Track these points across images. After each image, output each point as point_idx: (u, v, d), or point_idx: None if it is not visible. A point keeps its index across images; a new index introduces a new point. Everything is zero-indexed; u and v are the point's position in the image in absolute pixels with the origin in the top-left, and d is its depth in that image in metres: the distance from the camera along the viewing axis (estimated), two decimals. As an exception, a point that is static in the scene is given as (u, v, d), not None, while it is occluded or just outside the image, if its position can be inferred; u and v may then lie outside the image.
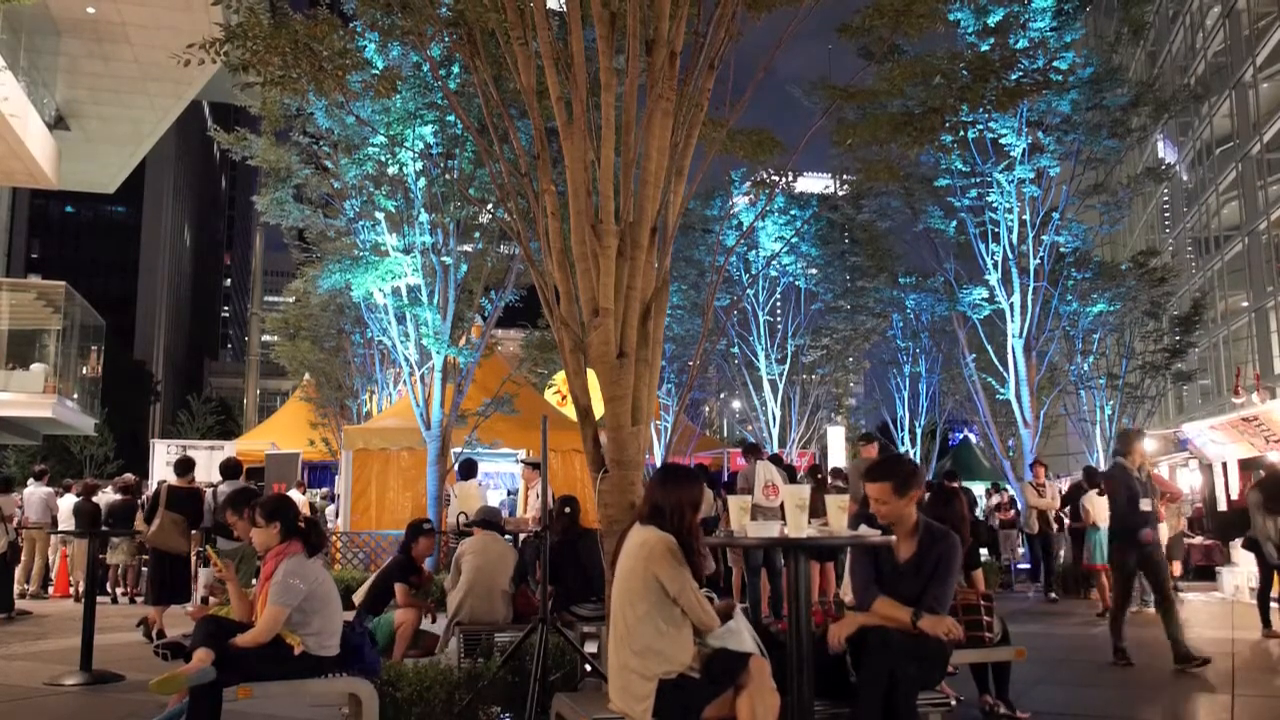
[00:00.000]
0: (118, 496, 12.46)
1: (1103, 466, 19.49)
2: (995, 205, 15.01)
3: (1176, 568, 12.39)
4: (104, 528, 10.66)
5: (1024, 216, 15.05)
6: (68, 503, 12.86)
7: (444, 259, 12.00)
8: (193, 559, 10.09)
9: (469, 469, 11.00)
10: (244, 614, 4.51)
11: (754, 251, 19.96)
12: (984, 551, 13.42)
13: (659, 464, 13.14)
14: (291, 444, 18.53)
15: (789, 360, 20.65)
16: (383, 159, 11.32)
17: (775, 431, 20.47)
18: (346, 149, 12.06)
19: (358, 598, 6.16)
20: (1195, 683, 6.56)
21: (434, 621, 6.50)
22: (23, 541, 12.53)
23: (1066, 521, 14.30)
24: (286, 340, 21.49)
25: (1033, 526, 12.86)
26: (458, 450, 12.40)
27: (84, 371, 20.25)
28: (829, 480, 10.90)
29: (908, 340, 21.39)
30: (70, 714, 5.90)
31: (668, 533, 3.52)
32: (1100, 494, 10.96)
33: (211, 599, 5.73)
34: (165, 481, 10.07)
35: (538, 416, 6.04)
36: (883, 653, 3.61)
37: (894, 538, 3.71)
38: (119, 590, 12.77)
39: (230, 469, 9.53)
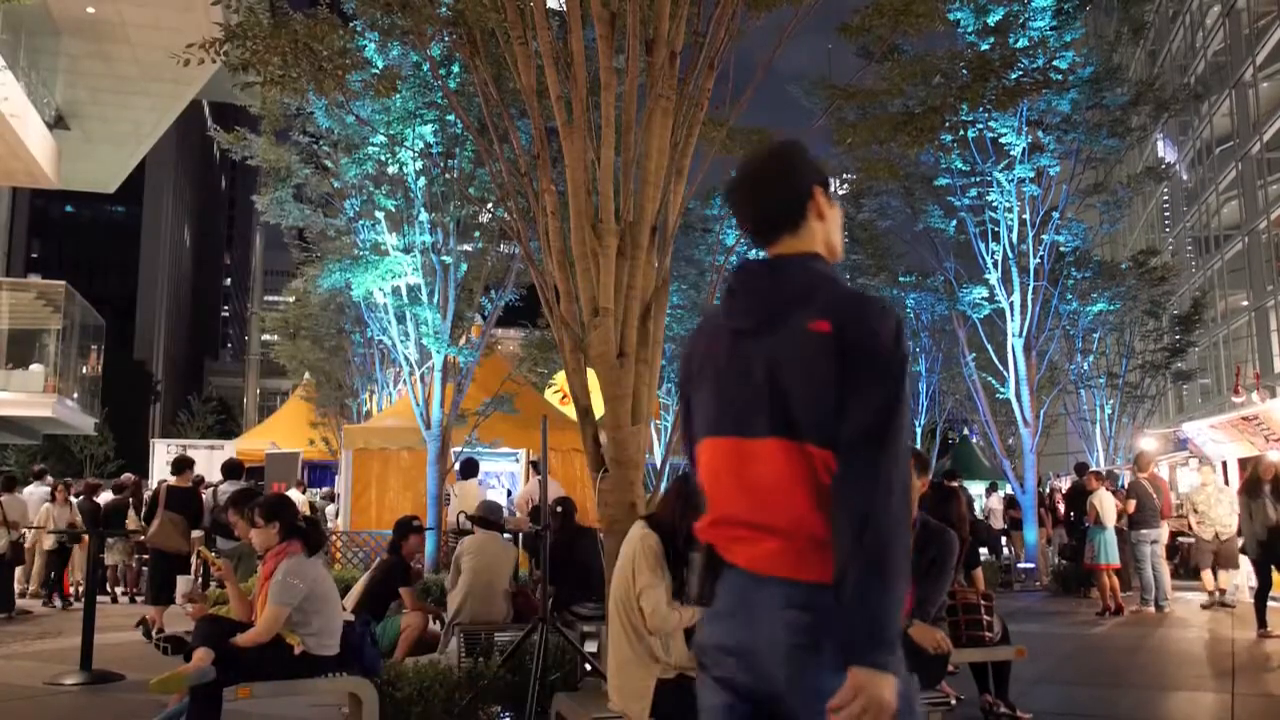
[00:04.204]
0: (113, 497, 12.47)
1: (1102, 465, 19.52)
2: (995, 204, 15.00)
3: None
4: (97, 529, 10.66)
5: (1024, 216, 15.03)
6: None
7: (444, 258, 12.00)
8: (193, 559, 10.09)
9: (470, 468, 10.99)
10: (244, 614, 4.51)
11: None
12: (983, 551, 13.40)
13: (659, 464, 13.11)
14: (291, 443, 18.52)
15: (789, 360, 20.61)
16: (383, 158, 11.31)
17: (775, 431, 20.44)
18: (346, 148, 12.05)
19: (350, 601, 6.12)
20: (1195, 683, 6.57)
21: (438, 623, 6.49)
22: (25, 541, 12.49)
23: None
24: (286, 340, 21.48)
25: None
26: (458, 450, 12.40)
27: (84, 371, 20.24)
28: None
29: (908, 340, 21.38)
30: (70, 714, 5.90)
31: (657, 532, 3.55)
32: (1109, 491, 10.95)
33: (189, 606, 5.70)
34: (165, 481, 10.07)
35: (538, 416, 6.05)
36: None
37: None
38: (119, 590, 12.77)
39: (232, 469, 9.53)
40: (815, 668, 1.60)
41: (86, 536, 10.81)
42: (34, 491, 13.00)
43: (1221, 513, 10.61)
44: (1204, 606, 10.44)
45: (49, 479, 13.96)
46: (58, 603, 11.76)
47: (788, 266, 1.82)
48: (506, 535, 7.10)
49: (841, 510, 1.60)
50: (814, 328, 1.68)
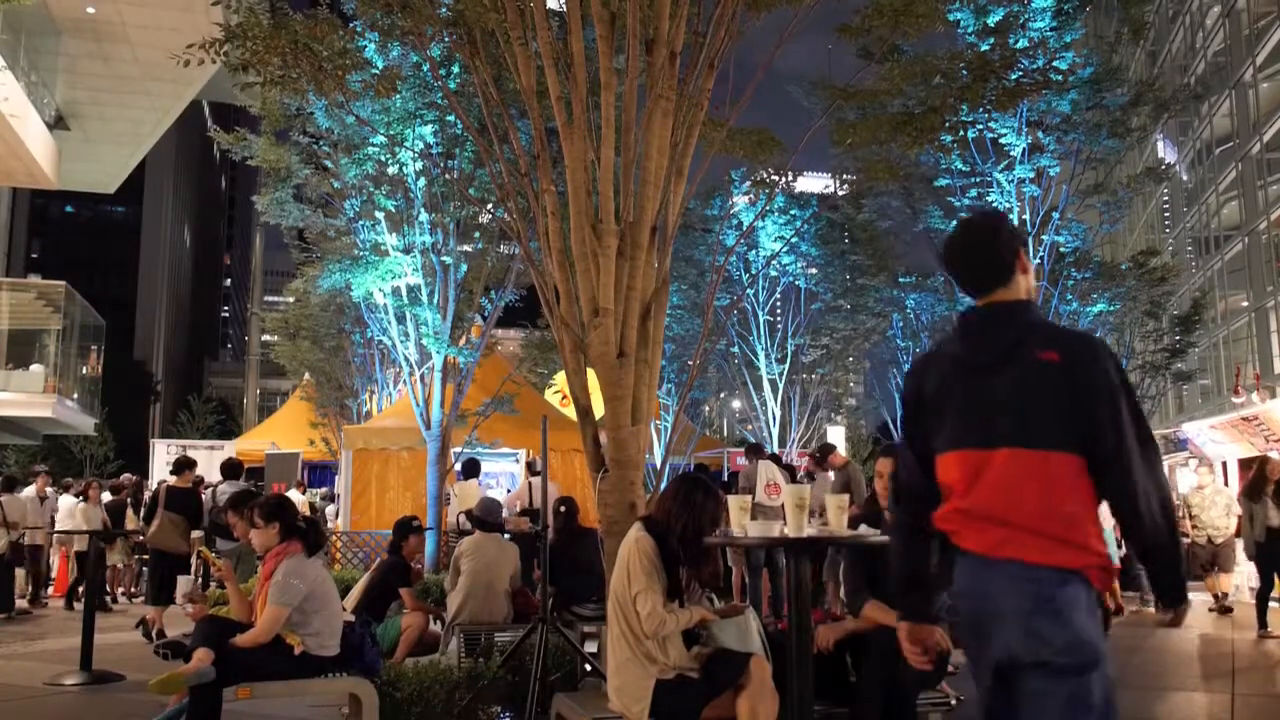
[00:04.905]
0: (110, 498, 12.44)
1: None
2: (995, 205, 15.01)
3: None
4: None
5: (1024, 216, 15.04)
6: (68, 503, 12.84)
7: (444, 259, 12.00)
8: (193, 559, 10.09)
9: (472, 468, 10.96)
10: (244, 614, 4.51)
11: (754, 251, 19.95)
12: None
13: (659, 464, 13.11)
14: (291, 444, 18.52)
15: (789, 360, 20.64)
16: (383, 159, 11.31)
17: (775, 431, 20.47)
18: (346, 149, 12.04)
19: (350, 602, 6.12)
20: (1195, 683, 6.56)
21: (438, 623, 6.50)
22: (25, 541, 12.45)
23: None
24: (286, 340, 21.47)
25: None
26: (458, 450, 12.39)
27: (84, 371, 20.24)
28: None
29: (908, 340, 21.37)
30: (70, 714, 5.90)
31: (653, 535, 3.55)
32: None
33: (189, 606, 5.71)
34: (165, 481, 10.07)
35: (538, 416, 6.04)
36: (884, 652, 3.61)
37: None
38: (119, 590, 12.76)
39: (231, 469, 9.53)
40: (1055, 635, 2.04)
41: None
42: (34, 491, 12.98)
43: (1214, 515, 10.31)
44: (1210, 610, 10.37)
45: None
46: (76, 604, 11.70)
47: (1012, 312, 2.30)
48: (507, 535, 7.10)
49: (1130, 500, 2.08)
50: (1045, 357, 2.16)
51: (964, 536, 2.19)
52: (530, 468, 11.72)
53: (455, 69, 10.32)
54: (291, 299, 21.47)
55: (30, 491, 12.19)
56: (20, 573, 12.01)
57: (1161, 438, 17.00)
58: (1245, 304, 33.01)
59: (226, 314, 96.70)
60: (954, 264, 2.41)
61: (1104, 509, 2.17)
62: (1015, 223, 14.82)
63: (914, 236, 17.75)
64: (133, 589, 12.91)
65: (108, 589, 12.42)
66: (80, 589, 11.91)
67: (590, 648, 5.72)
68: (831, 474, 9.93)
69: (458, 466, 11.46)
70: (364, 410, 19.89)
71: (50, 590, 13.31)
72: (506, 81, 7.17)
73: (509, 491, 14.32)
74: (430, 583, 8.85)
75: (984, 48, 13.34)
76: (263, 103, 12.94)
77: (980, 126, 13.84)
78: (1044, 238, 15.19)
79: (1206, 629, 9.25)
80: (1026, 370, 2.16)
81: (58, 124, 18.90)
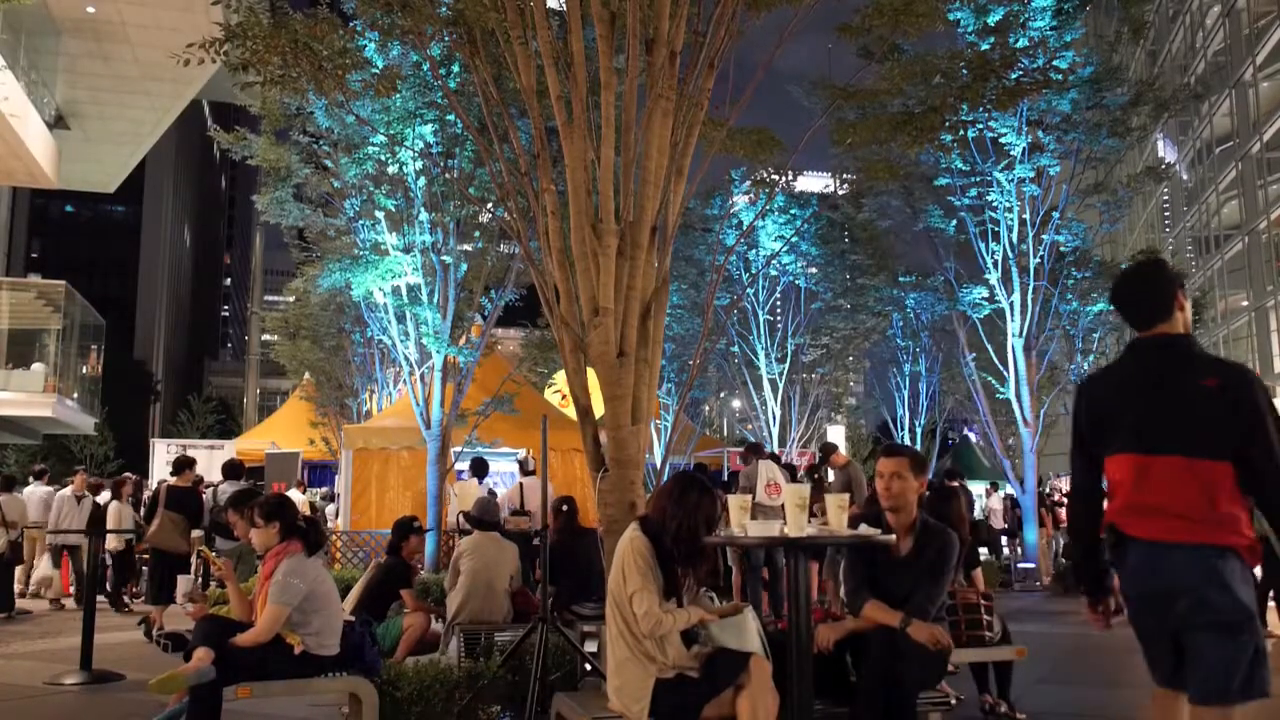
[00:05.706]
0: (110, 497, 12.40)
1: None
2: (995, 204, 14.99)
3: None
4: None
5: (1024, 215, 15.03)
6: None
7: (444, 258, 11.99)
8: (193, 559, 10.09)
9: (480, 468, 10.91)
10: (244, 613, 4.51)
11: (754, 251, 19.94)
12: (984, 551, 13.39)
13: (659, 463, 13.10)
14: (291, 443, 18.52)
15: (789, 359, 20.63)
16: (383, 158, 11.31)
17: (775, 431, 20.46)
18: (346, 148, 12.04)
19: (348, 603, 6.11)
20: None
21: (439, 623, 6.50)
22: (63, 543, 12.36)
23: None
24: (286, 339, 21.47)
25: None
26: (457, 449, 12.39)
27: (84, 371, 20.24)
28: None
29: (908, 339, 21.37)
30: (70, 713, 5.90)
31: (648, 535, 3.54)
32: None
33: (189, 606, 5.72)
34: (165, 481, 10.07)
35: (538, 416, 6.04)
36: (884, 652, 3.61)
37: (894, 537, 3.71)
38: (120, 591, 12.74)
39: (233, 469, 9.53)
40: (1222, 601, 2.54)
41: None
42: (34, 491, 12.99)
43: None
44: None
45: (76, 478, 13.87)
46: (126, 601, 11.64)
47: (1176, 344, 2.78)
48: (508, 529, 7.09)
49: (1274, 500, 2.56)
50: (1206, 384, 2.64)
51: (1138, 526, 2.67)
52: (523, 467, 11.68)
53: (455, 68, 10.32)
54: (291, 298, 21.46)
55: (67, 492, 12.16)
56: (55, 574, 12.01)
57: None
58: (1245, 303, 33.02)
59: (226, 314, 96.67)
60: (1122, 302, 2.89)
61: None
62: (1017, 222, 14.92)
63: (914, 236, 17.71)
64: (133, 588, 12.90)
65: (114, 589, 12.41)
66: (124, 588, 11.89)
67: (590, 647, 5.72)
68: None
69: (460, 466, 11.43)
70: (364, 410, 19.89)
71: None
72: (506, 81, 7.17)
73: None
74: (430, 582, 8.85)
75: (984, 47, 13.32)
76: (263, 102, 12.93)
77: (980, 126, 13.82)
78: (1044, 237, 15.17)
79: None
80: (1189, 393, 2.64)
81: (58, 124, 18.89)
